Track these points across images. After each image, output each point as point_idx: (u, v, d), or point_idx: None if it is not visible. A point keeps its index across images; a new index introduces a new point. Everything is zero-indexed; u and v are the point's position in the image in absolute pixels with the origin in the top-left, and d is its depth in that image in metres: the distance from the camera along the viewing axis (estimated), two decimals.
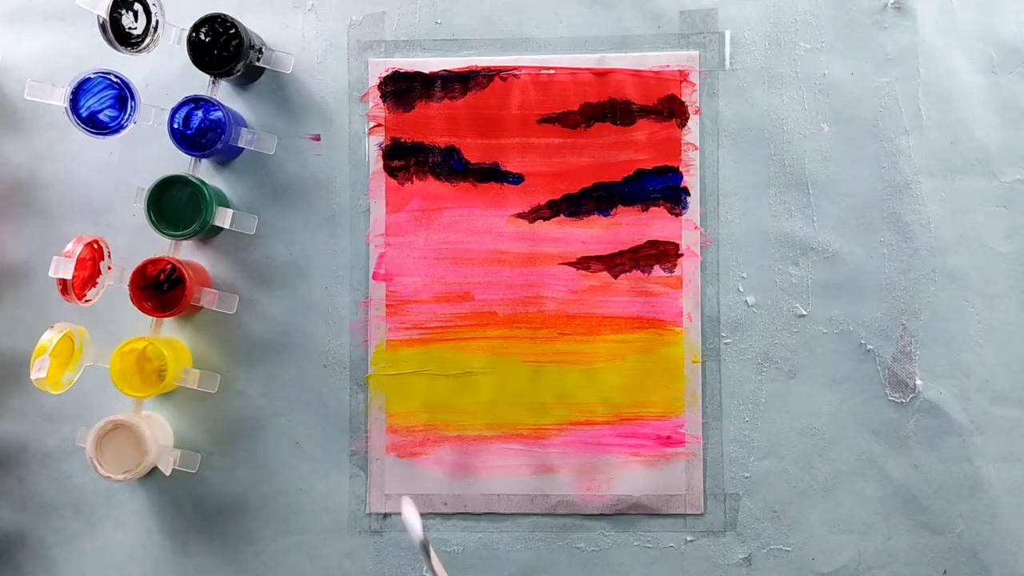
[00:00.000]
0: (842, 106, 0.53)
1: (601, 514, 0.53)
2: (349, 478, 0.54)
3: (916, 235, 0.53)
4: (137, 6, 0.50)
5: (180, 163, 0.52)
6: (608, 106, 0.53)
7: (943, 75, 0.53)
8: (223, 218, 0.51)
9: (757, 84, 0.53)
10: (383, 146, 0.54)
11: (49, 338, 0.49)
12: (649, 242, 0.53)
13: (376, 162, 0.54)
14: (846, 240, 0.53)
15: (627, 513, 0.53)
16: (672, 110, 0.53)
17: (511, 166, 0.54)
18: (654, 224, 0.53)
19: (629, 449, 0.53)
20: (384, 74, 0.54)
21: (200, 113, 0.51)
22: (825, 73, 0.53)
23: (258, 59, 0.52)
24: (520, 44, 0.54)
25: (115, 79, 0.50)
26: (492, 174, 0.54)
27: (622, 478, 0.53)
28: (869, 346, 0.53)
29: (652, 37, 0.54)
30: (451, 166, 0.54)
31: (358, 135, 0.54)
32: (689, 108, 0.53)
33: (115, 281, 0.51)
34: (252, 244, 0.54)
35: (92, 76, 0.50)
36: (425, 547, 0.42)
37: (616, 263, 0.53)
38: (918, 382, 0.53)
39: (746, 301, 0.53)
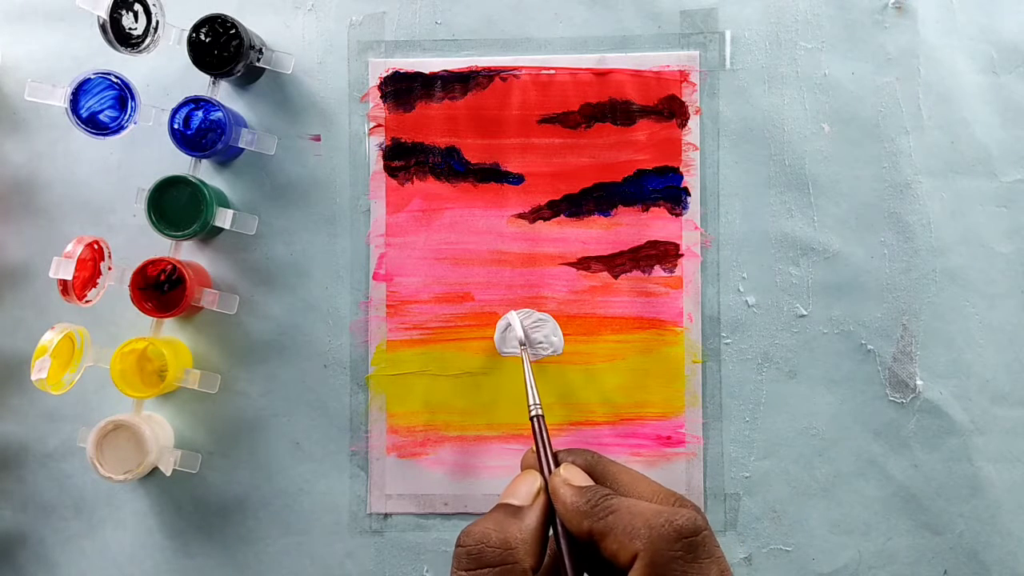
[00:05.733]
0: (842, 106, 0.53)
1: None
2: (349, 478, 0.54)
3: (916, 235, 0.53)
4: (137, 7, 0.50)
5: (180, 163, 0.52)
6: (608, 106, 0.53)
7: (944, 75, 0.53)
8: (223, 219, 0.51)
9: (757, 84, 0.53)
10: (383, 146, 0.54)
11: (49, 339, 0.49)
12: (649, 242, 0.53)
13: (376, 162, 0.54)
14: (846, 240, 0.53)
15: None
16: (672, 110, 0.53)
17: (511, 166, 0.54)
18: (654, 224, 0.53)
19: (629, 449, 0.53)
20: (384, 74, 0.54)
21: (200, 113, 0.51)
22: (825, 73, 0.53)
23: (258, 59, 0.52)
24: (520, 44, 0.54)
25: (115, 79, 0.50)
26: (492, 174, 0.54)
27: None
28: (869, 346, 0.53)
29: (652, 37, 0.54)
30: (451, 166, 0.54)
31: (358, 135, 0.54)
32: (689, 108, 0.53)
33: (115, 282, 0.51)
34: (252, 244, 0.54)
35: (92, 76, 0.50)
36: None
37: (616, 263, 0.54)
38: (918, 382, 0.53)
39: (746, 301, 0.53)
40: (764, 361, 0.53)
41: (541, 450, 0.43)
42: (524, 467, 0.44)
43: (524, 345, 0.50)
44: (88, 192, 0.54)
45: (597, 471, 0.42)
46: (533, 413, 0.45)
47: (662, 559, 0.35)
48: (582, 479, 0.41)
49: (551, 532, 0.40)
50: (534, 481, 0.41)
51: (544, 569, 0.40)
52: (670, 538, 0.35)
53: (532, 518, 0.39)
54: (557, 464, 0.42)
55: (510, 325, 0.52)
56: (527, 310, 0.53)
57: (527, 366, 0.48)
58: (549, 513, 0.40)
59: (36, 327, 0.53)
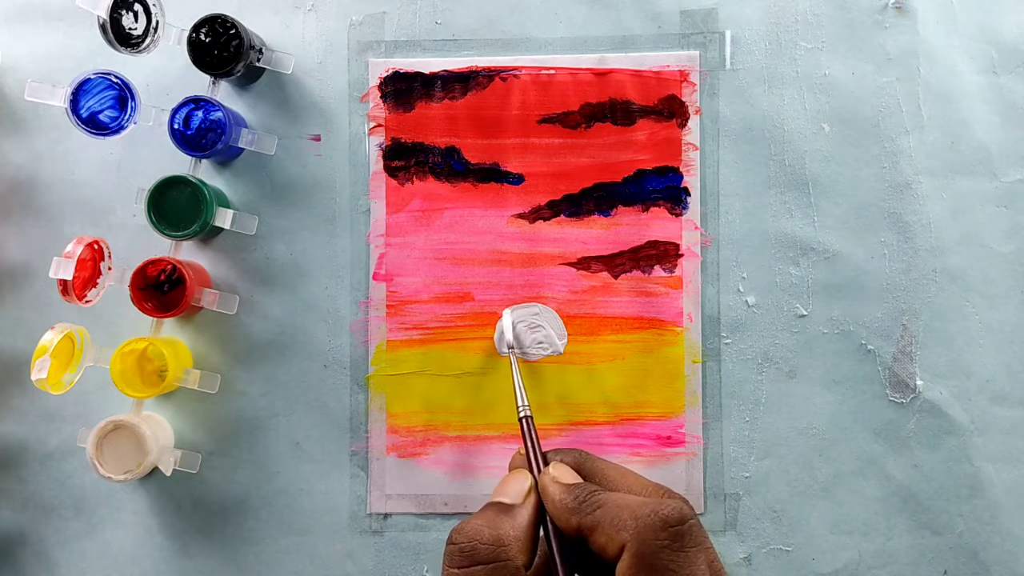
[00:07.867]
0: (843, 106, 0.53)
1: None
2: (349, 478, 0.54)
3: (916, 235, 0.53)
4: (137, 7, 0.50)
5: (180, 163, 0.52)
6: (608, 106, 0.53)
7: (944, 75, 0.53)
8: (223, 219, 0.51)
9: (757, 84, 0.53)
10: (383, 146, 0.54)
11: (49, 339, 0.49)
12: (649, 242, 0.53)
13: (376, 162, 0.54)
14: (846, 240, 0.53)
15: None
16: (672, 110, 0.53)
17: (511, 166, 0.54)
18: (654, 224, 0.53)
19: (629, 449, 0.53)
20: (384, 74, 0.54)
21: (200, 113, 0.51)
22: (826, 73, 0.53)
23: (258, 59, 0.52)
24: (520, 44, 0.54)
25: (115, 79, 0.50)
26: (492, 174, 0.54)
27: None
28: (869, 346, 0.53)
29: (652, 37, 0.54)
30: (451, 166, 0.54)
31: (358, 135, 0.54)
32: (689, 108, 0.53)
33: (115, 282, 0.51)
34: (252, 244, 0.54)
35: (92, 76, 0.50)
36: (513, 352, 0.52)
37: (616, 263, 0.54)
38: (918, 382, 0.53)
39: (746, 301, 0.53)
40: (764, 361, 0.53)
41: (530, 450, 0.44)
42: (513, 468, 0.44)
43: (512, 347, 0.51)
44: (88, 192, 0.54)
45: (586, 468, 0.42)
46: (522, 415, 0.46)
47: (649, 548, 0.35)
48: (571, 477, 0.41)
49: (542, 531, 0.40)
50: (524, 480, 0.41)
51: (535, 569, 0.40)
52: (656, 527, 0.35)
53: (523, 516, 0.39)
54: (546, 464, 0.42)
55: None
56: (529, 305, 0.53)
57: (515, 368, 0.49)
58: (540, 512, 0.40)
59: (36, 327, 0.53)
